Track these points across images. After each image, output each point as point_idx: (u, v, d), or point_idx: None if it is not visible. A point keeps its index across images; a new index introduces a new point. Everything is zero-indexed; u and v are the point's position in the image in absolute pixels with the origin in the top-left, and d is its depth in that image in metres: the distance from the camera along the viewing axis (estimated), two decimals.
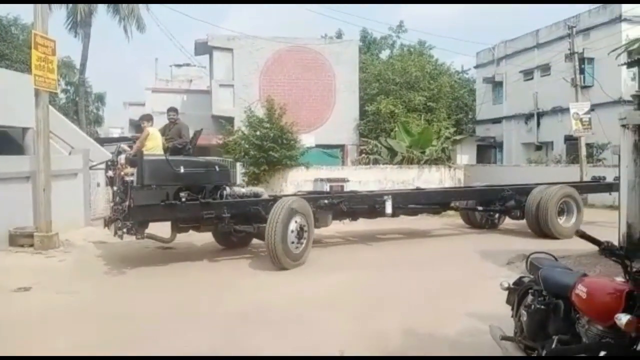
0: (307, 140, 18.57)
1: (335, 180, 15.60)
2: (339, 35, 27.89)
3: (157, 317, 5.58)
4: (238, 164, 18.90)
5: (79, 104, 28.61)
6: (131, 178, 7.39)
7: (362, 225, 10.79)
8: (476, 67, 29.67)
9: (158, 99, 23.80)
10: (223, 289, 6.79)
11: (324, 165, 17.61)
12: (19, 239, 9.28)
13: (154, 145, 8.20)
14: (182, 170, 7.56)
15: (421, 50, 26.88)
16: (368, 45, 29.07)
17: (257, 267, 7.91)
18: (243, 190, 8.84)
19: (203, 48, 22.07)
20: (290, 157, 16.41)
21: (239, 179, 19.31)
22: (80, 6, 25.20)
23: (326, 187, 11.47)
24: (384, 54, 28.97)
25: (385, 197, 9.48)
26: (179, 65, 31.51)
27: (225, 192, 8.23)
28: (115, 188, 8.07)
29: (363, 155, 19.48)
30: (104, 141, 19.87)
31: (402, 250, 9.58)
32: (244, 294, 6.56)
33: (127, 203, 7.27)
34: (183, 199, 7.53)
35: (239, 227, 8.19)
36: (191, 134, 9.48)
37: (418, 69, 22.12)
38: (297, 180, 16.48)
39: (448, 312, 5.52)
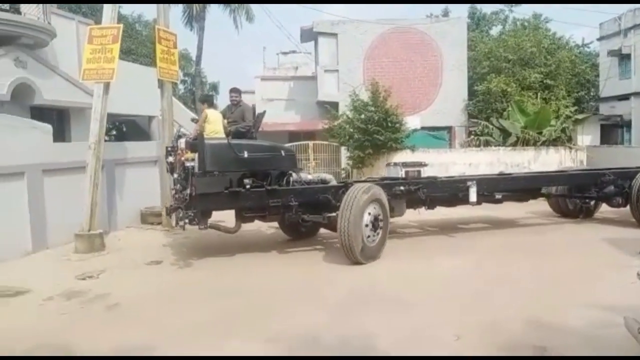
0: (413, 122, 18.21)
1: (412, 165, 14.29)
2: (445, 14, 26.88)
3: (273, 294, 5.85)
4: (342, 148, 19.14)
5: (196, 93, 30.52)
6: (192, 164, 6.87)
7: (435, 214, 9.69)
8: (599, 39, 26.99)
9: (267, 87, 24.66)
10: (315, 277, 6.65)
11: (430, 148, 17.16)
12: (149, 218, 10.20)
13: (214, 129, 7.59)
14: (245, 155, 7.08)
15: (536, 24, 25.03)
16: (477, 21, 27.71)
17: (332, 260, 7.30)
18: (309, 176, 8.30)
19: (308, 35, 22.41)
20: (395, 140, 16.18)
21: (343, 162, 19.58)
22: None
23: (401, 173, 10.59)
24: (495, 30, 27.43)
25: (469, 183, 8.59)
26: (285, 53, 32.34)
27: (291, 179, 7.73)
28: (175, 175, 7.51)
29: (472, 137, 18.71)
30: None
31: (501, 239, 8.75)
32: (342, 279, 6.45)
33: (188, 191, 6.82)
34: (247, 186, 7.03)
35: (308, 217, 7.60)
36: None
37: (533, 45, 20.65)
38: None
39: (574, 302, 5.14)
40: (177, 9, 28.30)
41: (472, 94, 20.88)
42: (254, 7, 28.47)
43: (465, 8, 30.80)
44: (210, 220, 7.24)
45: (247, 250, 8.00)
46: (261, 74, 27.77)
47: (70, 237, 8.19)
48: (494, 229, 9.66)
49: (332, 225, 7.44)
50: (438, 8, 28.79)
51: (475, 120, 19.28)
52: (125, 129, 22.31)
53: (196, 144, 7.04)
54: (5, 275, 6.63)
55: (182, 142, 7.39)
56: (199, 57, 29.48)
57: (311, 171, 19.49)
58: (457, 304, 5.33)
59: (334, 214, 7.23)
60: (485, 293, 5.64)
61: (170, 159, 7.75)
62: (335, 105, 20.48)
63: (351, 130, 16.80)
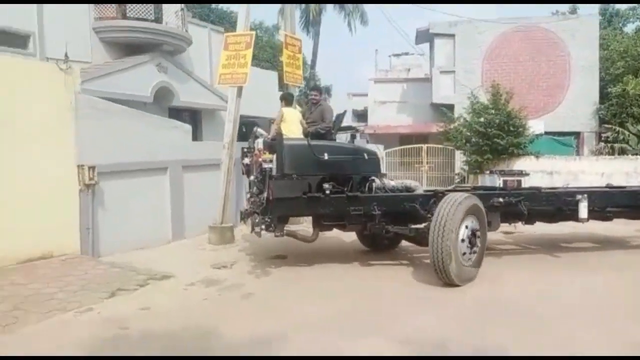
0: (536, 127, 17.20)
1: (510, 174, 12.84)
2: (573, 11, 25.03)
3: (389, 298, 5.85)
4: (457, 152, 18.60)
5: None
6: (270, 165, 6.48)
7: (527, 229, 8.77)
8: None
9: (379, 89, 24.77)
10: (418, 289, 6.17)
11: (556, 155, 16.08)
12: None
13: (289, 128, 7.19)
14: (326, 157, 6.61)
15: None
16: (609, 18, 25.53)
17: (423, 279, 6.46)
18: (392, 183, 7.57)
19: (424, 36, 22.13)
20: (517, 145, 15.41)
21: (457, 167, 19.02)
22: (312, 6, 27.52)
23: (499, 182, 9.38)
24: (630, 27, 25.06)
25: (579, 197, 7.42)
26: (397, 55, 32.16)
27: (374, 185, 7.12)
28: (252, 177, 7.11)
29: (603, 144, 17.26)
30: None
31: (623, 258, 7.71)
32: (446, 293, 5.97)
33: (265, 195, 6.41)
34: (327, 192, 6.52)
35: (392, 228, 6.84)
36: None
37: None
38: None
39: None
40: (295, 14, 29.36)
41: (604, 97, 19.28)
42: (367, 10, 28.73)
43: (595, 5, 28.52)
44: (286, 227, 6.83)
45: (325, 259, 7.50)
46: (373, 77, 27.89)
47: (204, 229, 8.84)
48: (605, 249, 8.45)
49: (418, 239, 6.83)
50: (564, 5, 26.84)
51: (608, 125, 17.76)
52: (245, 129, 23.73)
53: (274, 144, 6.63)
54: (151, 261, 7.31)
55: (259, 143, 6.97)
56: (313, 61, 30.35)
57: (424, 175, 19.33)
58: (597, 321, 4.95)
59: (421, 226, 6.63)
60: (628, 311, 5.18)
61: (247, 160, 7.32)
62: (450, 107, 19.97)
63: (468, 133, 16.30)
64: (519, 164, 15.63)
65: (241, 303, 5.64)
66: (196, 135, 14.31)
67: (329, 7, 29.06)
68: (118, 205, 7.68)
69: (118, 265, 6.90)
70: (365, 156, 7.34)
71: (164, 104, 12.86)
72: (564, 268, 7.13)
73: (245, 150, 7.52)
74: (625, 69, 18.93)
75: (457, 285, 5.98)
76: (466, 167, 16.83)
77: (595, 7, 25.16)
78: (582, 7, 25.39)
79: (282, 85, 19.34)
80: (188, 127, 9.35)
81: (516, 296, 5.83)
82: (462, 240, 6.10)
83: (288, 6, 10.76)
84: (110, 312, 5.13)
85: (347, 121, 32.18)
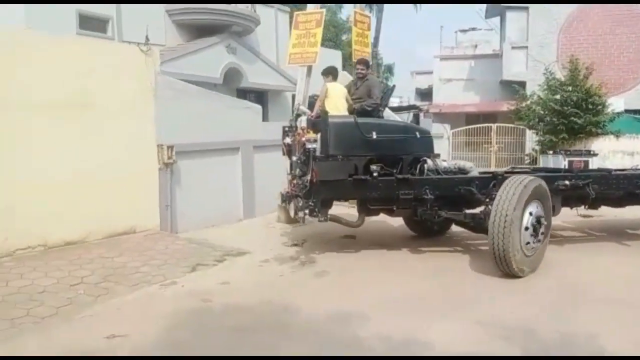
0: (615, 104, 16.14)
1: (577, 154, 11.32)
2: None
3: (469, 281, 5.73)
4: (528, 132, 17.82)
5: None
6: (314, 145, 6.09)
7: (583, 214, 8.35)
8: None
9: (445, 66, 24.04)
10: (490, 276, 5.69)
11: (638, 135, 15.06)
12: None
13: (335, 104, 6.57)
14: (374, 136, 6.16)
15: None
16: None
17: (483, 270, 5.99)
18: (445, 164, 7.12)
19: (495, 10, 21.18)
20: (595, 124, 14.58)
21: (528, 147, 18.22)
22: None
23: (564, 163, 8.34)
24: None
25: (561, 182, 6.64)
26: (464, 31, 31.04)
27: (425, 167, 6.66)
28: (294, 158, 6.58)
29: None
30: (396, 110, 21.21)
31: None
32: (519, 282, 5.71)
33: (308, 177, 6.02)
34: (375, 174, 6.13)
35: (445, 214, 6.40)
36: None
37: None
38: (604, 152, 14.54)
39: None
40: None
41: None
42: None
43: None
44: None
45: (371, 245, 7.18)
46: (438, 54, 27.09)
47: (273, 207, 9.00)
48: None
49: (474, 225, 6.38)
50: None
51: None
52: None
53: (318, 122, 6.24)
54: (225, 237, 7.54)
55: (302, 121, 6.59)
56: (376, 38, 29.77)
57: (492, 156, 18.68)
58: None
59: (477, 211, 6.22)
60: None
61: (288, 140, 6.85)
62: (522, 84, 19.09)
63: (542, 112, 15.56)
64: (597, 145, 14.76)
65: (315, 281, 5.72)
66: (263, 116, 14.54)
67: None
68: (193, 184, 7.95)
69: (195, 241, 7.18)
70: (417, 135, 6.81)
71: (232, 85, 13.11)
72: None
73: (287, 129, 7.02)
74: None
75: (518, 276, 5.54)
76: (538, 148, 16.10)
77: None
78: None
79: (346, 63, 19.18)
80: (259, 108, 9.49)
81: (598, 281, 5.57)
82: (526, 229, 5.61)
83: None
84: (193, 286, 5.35)
85: (410, 100, 31.75)
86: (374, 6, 28.89)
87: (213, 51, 12.16)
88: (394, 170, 6.31)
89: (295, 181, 6.52)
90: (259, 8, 13.82)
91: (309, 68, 9.07)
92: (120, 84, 6.85)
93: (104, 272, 5.63)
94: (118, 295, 5.08)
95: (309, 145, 6.15)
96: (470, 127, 19.32)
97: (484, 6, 21.64)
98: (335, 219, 6.62)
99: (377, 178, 6.16)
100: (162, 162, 7.35)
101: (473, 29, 30.69)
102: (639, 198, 7.18)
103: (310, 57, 8.91)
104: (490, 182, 6.32)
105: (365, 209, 6.70)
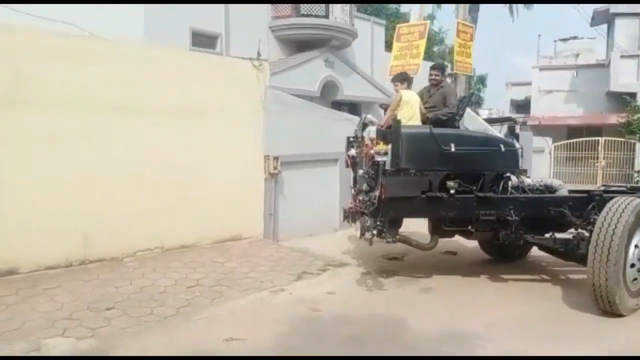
0: None
1: None
2: None
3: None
4: (639, 146, 16.54)
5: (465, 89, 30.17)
6: (384, 158, 5.45)
7: None
8: None
9: (544, 77, 22.92)
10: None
11: None
12: None
13: (411, 113, 5.98)
14: (452, 149, 5.47)
15: None
16: None
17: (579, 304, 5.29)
18: (529, 181, 6.25)
19: (602, 17, 19.90)
20: None
21: (638, 163, 16.83)
22: None
23: None
24: None
25: None
26: (564, 40, 29.49)
27: (509, 184, 5.95)
28: (361, 172, 5.99)
29: None
30: (489, 122, 20.51)
31: None
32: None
33: (376, 193, 5.43)
34: (452, 191, 5.47)
35: (533, 239, 5.76)
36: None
37: None
38: None
39: None
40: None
41: None
42: None
43: None
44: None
45: (445, 270, 6.63)
46: (536, 64, 25.89)
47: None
48: None
49: (564, 252, 5.67)
50: None
51: None
52: None
53: (389, 132, 5.56)
54: (324, 247, 7.61)
55: (370, 131, 5.82)
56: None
57: (599, 172, 17.45)
58: None
59: (569, 236, 5.53)
60: None
61: (353, 151, 6.37)
62: (632, 95, 17.78)
63: None
64: None
65: (422, 296, 5.62)
66: None
67: None
68: (295, 194, 8.14)
69: (297, 249, 7.33)
70: (502, 148, 5.95)
71: (328, 97, 13.35)
72: None
73: (352, 139, 6.52)
74: None
75: (622, 315, 4.90)
76: None
77: None
78: None
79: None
80: (356, 120, 9.54)
81: None
82: (632, 265, 4.90)
83: None
84: (300, 294, 5.46)
85: (504, 112, 30.54)
86: (468, 17, 28.20)
87: (312, 65, 12.49)
88: (474, 187, 5.63)
89: (360, 197, 5.98)
90: (356, 21, 14.01)
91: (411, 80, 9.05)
92: (232, 96, 7.20)
93: (216, 276, 5.89)
94: (231, 299, 5.28)
95: (378, 158, 5.48)
96: (575, 140, 18.20)
97: (590, 12, 20.32)
98: (405, 240, 6.08)
99: (455, 196, 5.48)
100: (267, 172, 7.61)
101: (574, 37, 29.16)
102: None
103: (412, 69, 8.92)
104: (587, 203, 5.62)
105: (440, 230, 6.08)
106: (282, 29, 12.89)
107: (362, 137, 6.16)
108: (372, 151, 5.58)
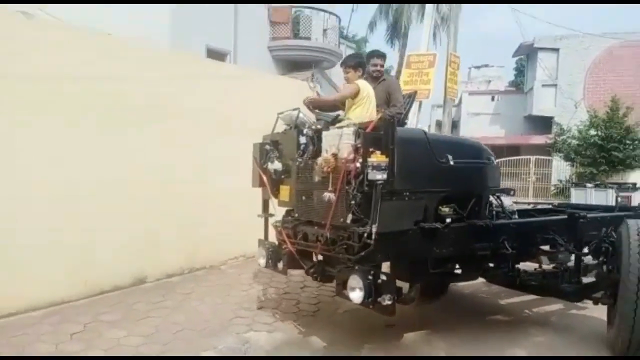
0: None
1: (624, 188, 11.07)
2: None
3: None
4: (554, 163, 19.16)
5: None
6: (380, 176, 3.41)
7: None
8: None
9: (470, 101, 25.49)
10: None
11: None
12: None
13: (369, 114, 4.26)
14: (451, 162, 3.86)
15: None
16: None
17: None
18: (507, 201, 4.95)
19: (525, 49, 22.71)
20: (634, 158, 15.97)
21: (554, 178, 19.38)
22: (403, 18, 28.53)
23: (609, 199, 6.97)
24: None
25: None
26: (477, 67, 32.92)
27: (493, 206, 4.71)
28: (328, 195, 3.61)
29: None
30: None
31: None
32: None
33: (371, 228, 3.37)
34: (447, 220, 3.84)
35: (525, 275, 4.56)
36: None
37: None
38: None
39: None
40: (382, 27, 30.47)
41: None
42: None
43: None
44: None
45: None
46: (465, 89, 28.57)
47: None
48: None
49: (571, 292, 4.42)
50: None
51: None
52: None
53: (380, 137, 3.52)
54: None
55: (345, 135, 3.57)
56: (398, 72, 31.23)
57: (530, 186, 19.90)
58: None
59: (551, 268, 4.63)
60: None
61: (275, 164, 4.36)
62: (548, 120, 20.65)
63: (577, 145, 16.96)
64: (635, 177, 16.12)
65: None
66: None
67: (414, 19, 29.99)
68: None
69: None
70: (493, 161, 4.47)
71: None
72: None
73: (268, 147, 4.41)
74: None
75: None
76: (573, 177, 17.37)
77: None
78: None
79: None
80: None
81: None
82: None
83: (452, 25, 11.80)
84: None
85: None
86: (397, 42, 30.41)
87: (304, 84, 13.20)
88: (464, 214, 4.06)
89: (308, 231, 4.01)
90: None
91: (420, 104, 10.23)
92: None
93: None
94: None
95: (374, 176, 3.42)
96: (511, 158, 20.40)
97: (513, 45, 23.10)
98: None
99: (450, 226, 3.88)
100: None
101: (486, 65, 32.71)
102: None
103: (424, 94, 10.14)
104: (585, 225, 4.51)
105: (422, 273, 4.12)
106: (278, 49, 13.57)
107: (309, 146, 4.04)
108: (357, 163, 3.47)
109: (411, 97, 5.61)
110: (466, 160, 4.15)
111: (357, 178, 3.52)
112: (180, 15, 10.60)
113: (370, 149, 3.49)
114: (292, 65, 13.64)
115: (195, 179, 5.98)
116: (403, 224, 3.68)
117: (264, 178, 4.48)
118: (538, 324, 4.84)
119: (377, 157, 3.50)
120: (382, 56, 5.27)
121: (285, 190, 4.37)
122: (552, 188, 19.26)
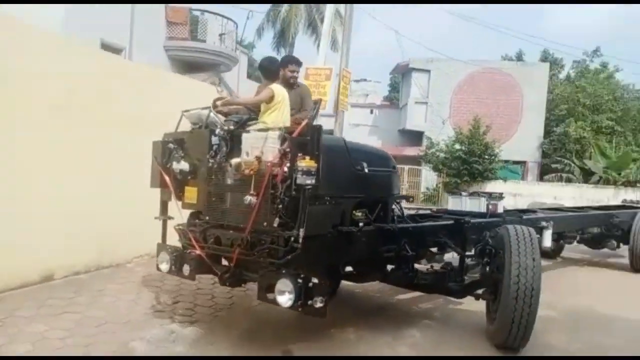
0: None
1: (496, 197, 11.84)
2: (519, 56, 28.99)
3: None
4: (423, 173, 21.26)
5: None
6: (308, 181, 3.49)
7: None
8: None
9: (351, 113, 27.02)
10: None
11: (522, 180, 19.25)
12: None
13: (283, 120, 4.26)
14: (365, 169, 4.15)
15: (610, 73, 26.25)
16: (550, 64, 29.64)
17: None
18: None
19: (400, 69, 24.80)
20: (490, 170, 18.34)
21: (423, 186, 21.56)
22: (291, 28, 29.37)
23: (479, 206, 8.28)
24: (563, 74, 29.39)
25: (544, 224, 6.23)
26: (357, 81, 34.92)
27: (395, 211, 4.83)
28: (250, 199, 3.59)
29: (553, 173, 20.71)
30: None
31: None
32: None
33: (299, 232, 3.45)
34: (361, 224, 4.11)
35: (422, 275, 4.81)
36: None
37: (609, 93, 22.60)
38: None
39: None
40: (269, 34, 31.06)
41: (547, 133, 22.88)
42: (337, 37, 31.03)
43: (537, 50, 32.47)
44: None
45: None
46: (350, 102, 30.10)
47: None
48: None
49: (458, 290, 4.83)
50: (512, 49, 30.74)
51: (560, 158, 21.28)
52: None
53: (306, 142, 3.59)
54: None
55: (272, 139, 3.60)
56: None
57: (403, 192, 21.70)
58: None
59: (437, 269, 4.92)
60: None
61: (181, 164, 4.17)
62: (420, 134, 22.79)
63: (446, 158, 19.04)
64: (491, 187, 18.50)
65: None
66: None
67: (301, 30, 31.04)
68: None
69: None
70: (397, 169, 4.83)
71: None
72: None
73: (172, 145, 4.24)
74: (568, 112, 22.66)
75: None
76: (440, 186, 19.42)
77: (537, 54, 29.17)
78: (529, 54, 29.43)
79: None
80: None
81: None
82: None
83: (345, 44, 12.61)
84: None
85: None
86: (282, 50, 31.22)
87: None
88: (372, 218, 4.32)
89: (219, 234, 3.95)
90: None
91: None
92: None
93: None
94: None
95: (303, 180, 3.51)
96: None
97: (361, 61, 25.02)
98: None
99: (363, 229, 4.14)
100: None
101: (364, 79, 34.87)
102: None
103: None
104: (486, 233, 4.90)
105: (333, 275, 4.46)
106: (175, 49, 13.34)
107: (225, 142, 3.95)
108: (285, 168, 3.56)
109: (317, 104, 5.70)
110: (377, 168, 4.41)
111: (284, 182, 3.57)
112: (75, 6, 10.09)
113: (299, 154, 3.57)
114: (188, 66, 13.53)
115: (100, 176, 5.85)
116: (325, 228, 3.85)
117: (166, 178, 4.26)
118: (426, 317, 5.39)
119: (307, 163, 3.57)
120: (299, 63, 5.29)
121: (191, 192, 4.20)
122: (422, 195, 21.25)
